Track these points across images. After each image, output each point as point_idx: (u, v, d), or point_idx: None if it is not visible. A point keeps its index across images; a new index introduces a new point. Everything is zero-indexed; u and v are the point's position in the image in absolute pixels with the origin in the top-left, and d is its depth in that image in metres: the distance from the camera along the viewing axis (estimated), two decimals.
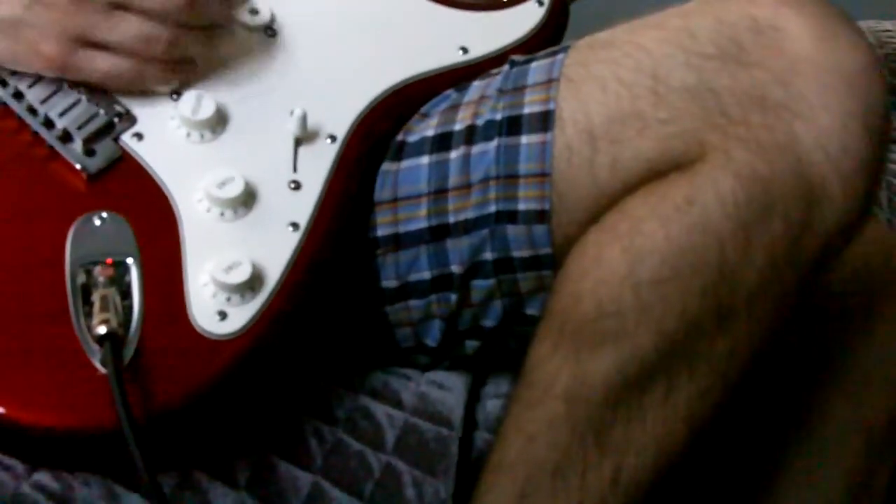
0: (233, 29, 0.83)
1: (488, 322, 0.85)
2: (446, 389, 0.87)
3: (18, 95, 0.78)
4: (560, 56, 0.82)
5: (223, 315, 0.73)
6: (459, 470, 0.83)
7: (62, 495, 0.74)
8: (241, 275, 0.74)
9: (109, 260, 0.73)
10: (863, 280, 0.89)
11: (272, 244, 0.76)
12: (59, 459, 0.74)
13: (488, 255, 0.81)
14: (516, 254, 0.81)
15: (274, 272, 0.75)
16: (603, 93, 0.78)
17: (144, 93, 0.80)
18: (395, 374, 0.88)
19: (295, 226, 0.77)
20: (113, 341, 0.70)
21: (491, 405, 0.88)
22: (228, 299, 0.74)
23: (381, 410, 0.84)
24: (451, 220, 0.82)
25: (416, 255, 0.83)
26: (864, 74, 0.73)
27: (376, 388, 0.86)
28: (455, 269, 0.82)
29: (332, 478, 0.80)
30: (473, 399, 0.88)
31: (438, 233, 0.82)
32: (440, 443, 0.84)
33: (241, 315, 0.74)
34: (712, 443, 0.80)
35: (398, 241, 0.83)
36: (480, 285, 0.83)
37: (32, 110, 0.78)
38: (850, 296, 0.89)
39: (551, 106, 0.79)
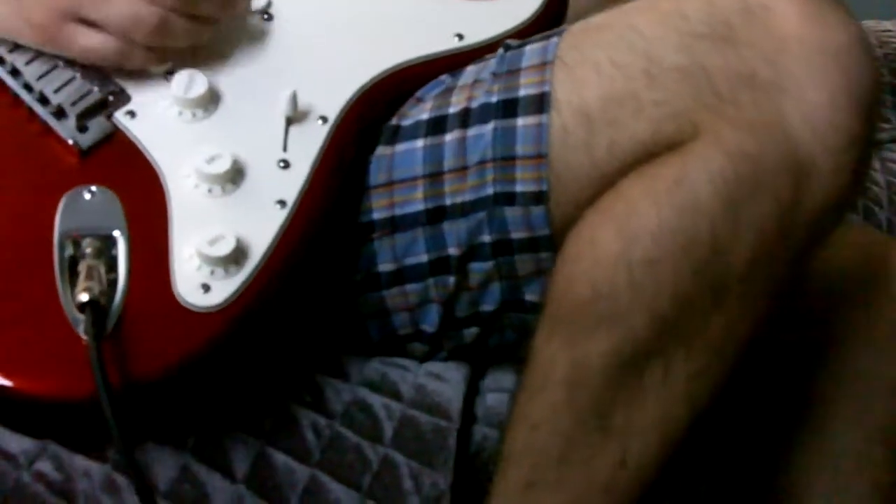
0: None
1: (486, 307, 0.84)
2: (444, 381, 0.86)
3: (15, 72, 0.79)
4: (554, 39, 0.82)
5: (206, 288, 0.73)
6: (458, 462, 0.82)
7: (63, 486, 0.74)
8: (225, 248, 0.74)
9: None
10: (857, 282, 0.89)
11: (258, 220, 0.76)
12: (51, 429, 0.74)
13: (486, 238, 0.81)
14: (514, 236, 0.81)
15: (259, 247, 0.75)
16: (598, 75, 0.79)
17: (138, 72, 0.80)
18: (393, 366, 0.87)
19: (282, 203, 0.77)
20: (94, 308, 0.70)
21: (491, 398, 0.88)
22: (212, 272, 0.74)
23: (378, 402, 0.84)
24: (448, 202, 0.82)
25: (413, 238, 0.83)
26: (850, 51, 0.73)
27: (374, 380, 0.86)
28: (453, 251, 0.82)
29: (329, 471, 0.80)
30: (473, 392, 0.88)
31: (435, 215, 0.82)
32: (438, 434, 0.83)
33: (224, 288, 0.74)
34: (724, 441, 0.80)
35: (395, 225, 0.83)
36: (478, 268, 0.82)
37: (28, 87, 0.79)
38: (845, 299, 0.89)
39: (546, 88, 0.80)
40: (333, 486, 0.80)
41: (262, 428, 0.80)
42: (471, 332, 0.86)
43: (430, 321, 0.85)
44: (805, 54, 0.73)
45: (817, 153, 0.73)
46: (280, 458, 0.79)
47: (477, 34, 0.88)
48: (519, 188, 0.80)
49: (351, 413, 0.83)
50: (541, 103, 0.79)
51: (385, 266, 0.84)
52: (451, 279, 0.83)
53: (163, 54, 0.80)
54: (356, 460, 0.81)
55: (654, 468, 0.77)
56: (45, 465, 0.74)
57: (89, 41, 0.78)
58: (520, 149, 0.80)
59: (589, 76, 0.79)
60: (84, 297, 0.70)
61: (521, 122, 0.80)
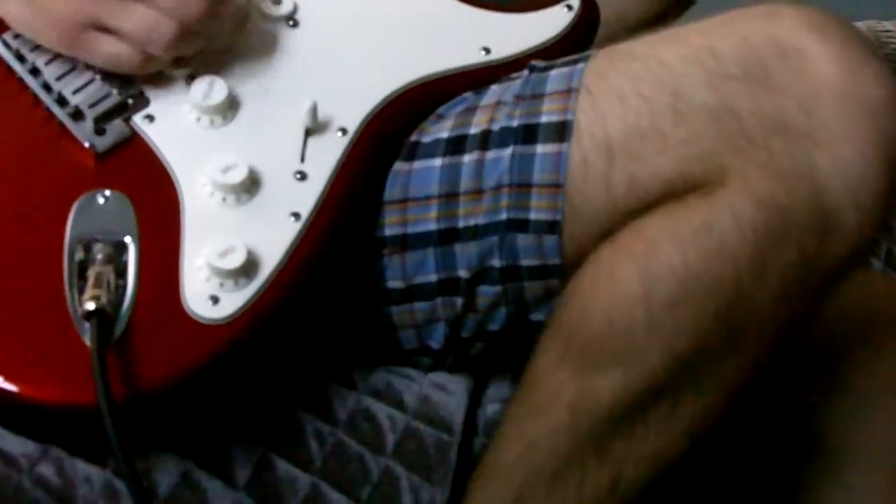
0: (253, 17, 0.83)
1: (492, 327, 0.84)
2: (449, 392, 0.86)
3: (35, 71, 0.79)
4: (580, 65, 0.81)
5: (215, 300, 0.73)
6: (457, 477, 0.82)
7: (63, 491, 0.73)
8: (236, 260, 0.73)
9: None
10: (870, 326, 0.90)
11: (271, 233, 0.76)
12: (53, 434, 0.74)
13: (496, 262, 0.81)
14: (525, 262, 0.80)
15: (270, 261, 0.75)
16: (622, 106, 0.78)
17: (159, 76, 0.79)
18: (398, 375, 0.87)
19: (296, 216, 0.77)
20: (100, 318, 0.69)
21: (492, 409, 0.87)
22: (222, 284, 0.73)
23: (382, 412, 0.84)
24: (461, 224, 0.81)
25: (423, 257, 0.82)
26: (885, 106, 0.73)
27: (379, 389, 0.85)
28: (462, 273, 0.82)
29: (330, 480, 0.80)
30: (475, 403, 0.87)
31: (447, 236, 0.81)
32: (439, 449, 0.83)
33: (233, 301, 0.73)
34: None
35: (406, 242, 0.82)
36: (486, 291, 0.82)
37: (47, 87, 0.78)
38: (857, 343, 0.89)
39: (569, 116, 0.79)
40: (334, 495, 0.79)
41: (264, 434, 0.80)
42: (476, 347, 0.86)
43: (436, 339, 0.85)
44: (840, 106, 0.72)
45: (845, 207, 0.73)
46: (282, 465, 0.79)
47: (504, 48, 0.86)
48: (533, 216, 0.79)
49: (355, 421, 0.83)
50: (562, 132, 0.78)
51: (394, 283, 0.83)
52: (459, 300, 0.83)
53: (181, 61, 0.79)
54: (357, 470, 0.81)
55: (645, 489, 0.78)
56: (46, 470, 0.74)
57: (107, 49, 0.77)
58: (537, 176, 0.79)
59: (613, 107, 0.78)
60: (90, 305, 0.70)
61: (540, 149, 0.79)
